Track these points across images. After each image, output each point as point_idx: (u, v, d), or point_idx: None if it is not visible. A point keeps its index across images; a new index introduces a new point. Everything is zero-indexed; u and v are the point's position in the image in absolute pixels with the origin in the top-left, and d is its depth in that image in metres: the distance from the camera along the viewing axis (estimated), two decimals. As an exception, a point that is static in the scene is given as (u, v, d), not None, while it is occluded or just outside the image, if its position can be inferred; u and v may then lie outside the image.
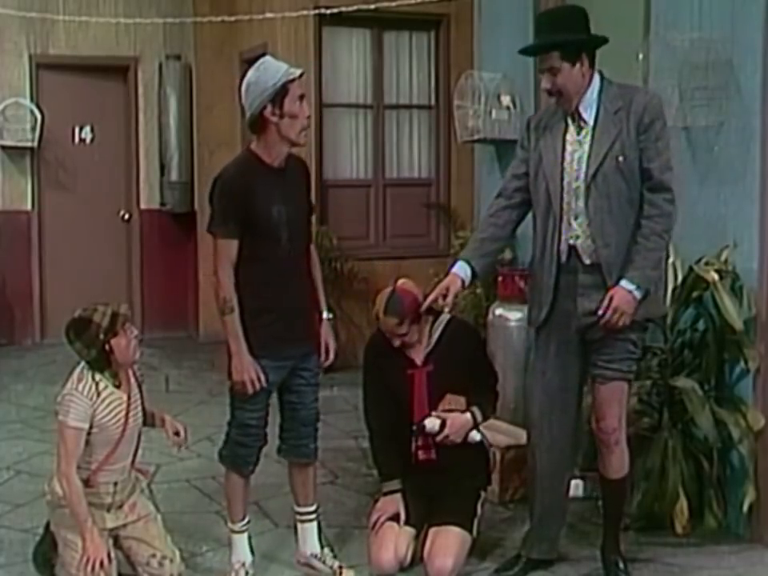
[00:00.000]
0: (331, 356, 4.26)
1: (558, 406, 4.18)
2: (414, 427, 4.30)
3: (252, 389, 3.98)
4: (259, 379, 3.98)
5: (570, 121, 4.06)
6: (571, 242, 4.03)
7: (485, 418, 4.40)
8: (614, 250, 3.96)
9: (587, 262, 4.01)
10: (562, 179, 4.03)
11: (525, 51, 4.22)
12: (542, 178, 4.09)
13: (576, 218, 4.01)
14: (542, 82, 4.05)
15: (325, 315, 4.27)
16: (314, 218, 4.42)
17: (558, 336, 4.14)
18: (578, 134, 4.04)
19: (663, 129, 3.96)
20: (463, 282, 4.18)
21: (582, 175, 3.99)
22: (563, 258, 4.06)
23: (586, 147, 4.00)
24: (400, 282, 4.45)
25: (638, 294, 3.91)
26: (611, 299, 3.90)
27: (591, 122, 4.01)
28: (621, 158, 3.93)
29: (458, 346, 4.39)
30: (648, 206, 3.94)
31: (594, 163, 3.96)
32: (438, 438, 4.26)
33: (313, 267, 4.27)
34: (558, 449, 4.22)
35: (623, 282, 3.91)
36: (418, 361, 4.39)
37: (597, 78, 4.03)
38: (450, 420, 4.27)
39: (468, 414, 4.31)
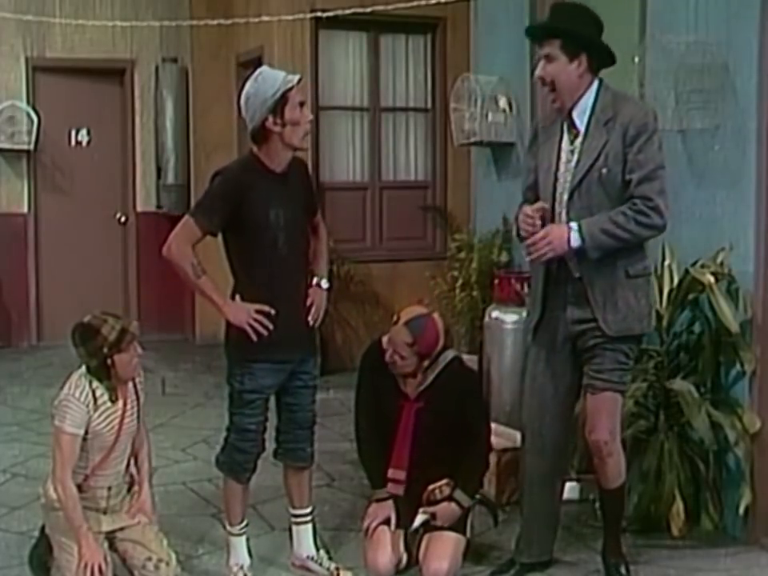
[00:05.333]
0: (318, 320, 4.18)
1: (548, 411, 4.18)
2: (411, 528, 4.27)
3: (254, 333, 3.95)
4: (257, 320, 3.95)
5: (565, 128, 4.05)
6: None
7: (471, 497, 4.31)
8: (596, 264, 3.93)
9: (576, 275, 3.99)
10: (554, 189, 4.02)
11: (529, 31, 4.17)
12: (539, 186, 4.09)
13: None
14: (536, 69, 4.02)
15: (323, 284, 4.21)
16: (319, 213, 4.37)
17: (548, 343, 4.14)
18: (571, 143, 4.02)
19: (648, 142, 3.89)
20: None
21: (568, 185, 3.98)
22: (553, 267, 4.04)
23: (575, 157, 3.99)
24: (437, 313, 4.33)
25: (575, 237, 3.86)
26: (550, 229, 3.89)
27: (582, 131, 3.99)
28: (604, 170, 3.90)
29: (454, 388, 4.28)
30: (629, 203, 3.89)
31: (579, 174, 3.95)
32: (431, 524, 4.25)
33: (318, 242, 4.27)
34: (548, 454, 4.22)
35: (571, 223, 3.88)
36: (411, 395, 4.30)
37: (595, 85, 4.00)
38: (438, 513, 4.24)
39: (453, 504, 4.24)
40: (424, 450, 4.24)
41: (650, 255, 4.12)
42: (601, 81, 4.03)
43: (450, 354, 4.34)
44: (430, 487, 4.28)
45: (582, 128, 3.99)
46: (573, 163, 3.98)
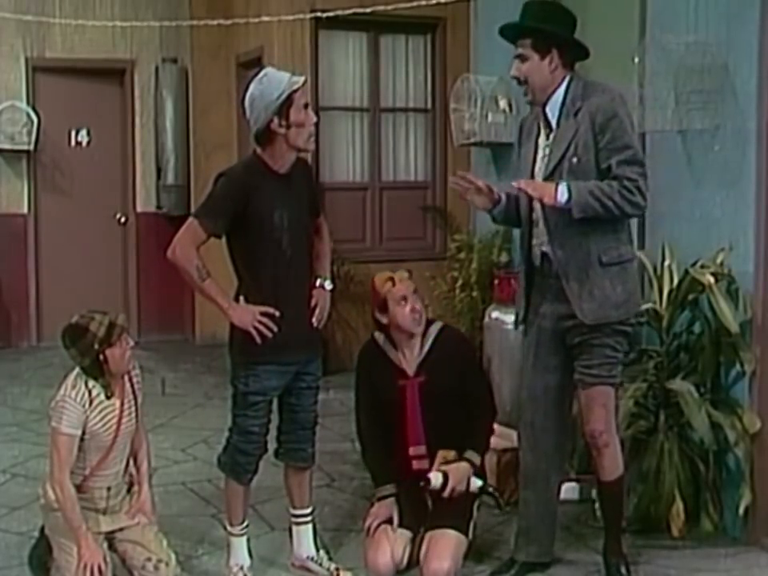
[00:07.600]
0: (322, 322, 4.20)
1: (540, 407, 4.21)
2: (422, 483, 4.27)
3: (259, 335, 3.94)
4: (261, 323, 3.95)
5: (541, 124, 4.09)
6: (543, 248, 4.07)
7: (482, 457, 4.37)
8: (570, 253, 3.97)
9: (555, 267, 4.02)
10: None
11: (502, 31, 4.15)
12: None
13: (542, 223, 4.04)
14: (511, 68, 4.06)
15: (327, 285, 4.23)
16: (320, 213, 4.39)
17: (536, 339, 4.19)
18: (546, 138, 4.07)
19: (620, 128, 3.90)
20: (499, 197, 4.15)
21: (540, 179, 4.01)
22: (536, 262, 4.10)
23: (548, 151, 4.03)
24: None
25: (562, 190, 3.84)
26: (537, 186, 3.91)
27: (554, 125, 4.02)
28: (574, 160, 3.93)
29: (450, 356, 4.36)
30: (614, 181, 3.88)
31: (550, 166, 3.98)
32: (446, 493, 4.24)
33: (321, 243, 4.29)
34: (541, 450, 4.24)
35: (560, 183, 3.87)
36: (410, 371, 4.35)
37: (567, 80, 4.02)
38: (451, 472, 4.26)
39: (465, 463, 4.29)
40: (434, 421, 4.31)
41: (628, 243, 4.10)
42: (572, 74, 4.04)
43: (438, 324, 4.46)
44: (441, 452, 4.31)
45: (554, 122, 4.03)
46: (547, 158, 4.02)
